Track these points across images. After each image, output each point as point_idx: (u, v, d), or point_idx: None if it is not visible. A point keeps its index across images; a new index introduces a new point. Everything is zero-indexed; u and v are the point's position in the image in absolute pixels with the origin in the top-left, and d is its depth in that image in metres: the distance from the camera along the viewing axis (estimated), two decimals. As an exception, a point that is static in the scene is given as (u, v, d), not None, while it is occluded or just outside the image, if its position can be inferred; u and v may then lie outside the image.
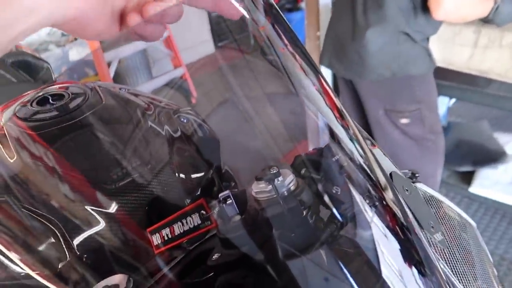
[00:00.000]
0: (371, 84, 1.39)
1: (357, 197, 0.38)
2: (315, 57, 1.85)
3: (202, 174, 0.59)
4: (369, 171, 0.40)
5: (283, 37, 0.47)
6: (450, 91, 1.62)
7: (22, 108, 0.63)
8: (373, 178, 0.39)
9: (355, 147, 0.41)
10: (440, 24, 1.29)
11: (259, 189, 0.44)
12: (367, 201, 0.39)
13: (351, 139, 0.41)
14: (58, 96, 0.65)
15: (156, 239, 0.46)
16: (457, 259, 0.44)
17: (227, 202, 0.41)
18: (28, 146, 0.54)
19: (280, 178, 0.45)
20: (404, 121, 1.41)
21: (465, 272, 0.45)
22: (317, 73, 0.44)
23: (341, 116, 0.43)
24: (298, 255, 0.41)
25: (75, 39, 3.11)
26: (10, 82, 1.13)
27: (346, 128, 0.42)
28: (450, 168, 1.96)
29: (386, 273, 0.34)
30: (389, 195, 0.38)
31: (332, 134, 0.43)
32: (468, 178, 1.91)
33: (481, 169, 1.90)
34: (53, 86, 0.69)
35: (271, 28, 0.47)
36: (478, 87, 1.55)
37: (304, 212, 0.45)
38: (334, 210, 0.42)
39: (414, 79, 1.32)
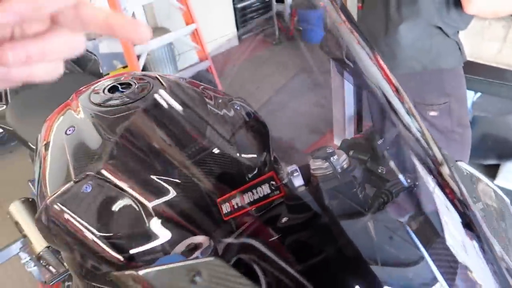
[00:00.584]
0: (401, 77, 1.42)
1: (420, 169, 0.44)
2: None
3: (257, 155, 0.65)
4: (426, 146, 0.45)
5: (340, 13, 0.53)
6: (478, 85, 1.65)
7: (95, 95, 0.71)
8: (430, 153, 0.44)
9: (412, 121, 0.46)
10: (472, 18, 1.32)
11: (316, 166, 0.50)
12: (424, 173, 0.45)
13: (407, 113, 0.47)
14: (126, 85, 0.72)
15: (225, 208, 0.53)
16: (494, 228, 0.50)
17: (294, 175, 0.47)
18: (112, 127, 0.61)
19: (335, 157, 0.51)
20: (432, 113, 1.44)
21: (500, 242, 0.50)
22: (373, 49, 0.50)
23: (397, 91, 0.48)
24: (351, 220, 0.47)
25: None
26: (63, 73, 1.21)
27: (402, 102, 0.47)
28: (475, 161, 1.98)
29: (450, 242, 0.39)
30: (445, 170, 0.43)
31: (390, 106, 0.48)
32: (493, 171, 1.93)
33: (506, 163, 1.92)
34: (120, 76, 0.76)
35: (330, 4, 0.53)
36: (506, 81, 1.57)
37: (355, 188, 0.51)
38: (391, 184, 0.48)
39: (444, 73, 1.35)
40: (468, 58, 1.54)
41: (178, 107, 0.64)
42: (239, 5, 3.97)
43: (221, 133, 0.62)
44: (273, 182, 0.47)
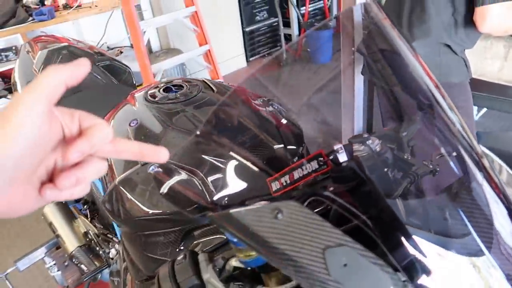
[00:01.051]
0: (411, 92, 1.52)
1: (469, 161, 0.51)
2: (350, 70, 2.00)
3: (297, 147, 0.75)
4: (469, 139, 0.53)
5: (381, 11, 0.62)
6: (482, 101, 1.75)
7: (152, 93, 0.81)
8: (473, 146, 0.53)
9: (453, 115, 0.55)
10: (478, 38, 1.43)
11: (356, 148, 0.60)
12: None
13: (449, 108, 0.56)
14: (178, 87, 0.82)
15: (275, 186, 0.61)
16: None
17: (340, 152, 0.56)
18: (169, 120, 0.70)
19: (371, 141, 0.60)
20: (441, 126, 1.54)
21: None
22: (412, 47, 0.59)
23: (437, 86, 0.57)
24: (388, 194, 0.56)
25: (121, 52, 3.35)
26: (101, 83, 1.32)
27: (443, 97, 0.56)
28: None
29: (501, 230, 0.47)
30: (486, 163, 0.51)
31: (433, 99, 0.57)
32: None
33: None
34: (173, 79, 0.86)
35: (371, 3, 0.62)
36: (508, 97, 1.68)
37: (388, 167, 0.60)
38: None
39: (452, 87, 1.46)
40: (473, 76, 1.65)
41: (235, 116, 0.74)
42: (248, 29, 4.13)
43: (267, 127, 0.71)
44: (321, 159, 0.56)
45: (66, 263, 1.72)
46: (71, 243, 1.35)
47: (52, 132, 0.33)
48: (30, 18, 2.78)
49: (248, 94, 0.81)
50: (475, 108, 2.14)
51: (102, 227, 1.35)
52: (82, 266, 1.33)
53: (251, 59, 4.23)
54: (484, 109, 2.11)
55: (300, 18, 4.07)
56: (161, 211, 0.64)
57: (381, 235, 0.44)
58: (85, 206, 1.45)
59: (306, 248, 0.39)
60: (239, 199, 0.53)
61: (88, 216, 1.41)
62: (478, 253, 0.47)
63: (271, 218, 0.41)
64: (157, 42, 3.66)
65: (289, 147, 0.71)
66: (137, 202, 0.66)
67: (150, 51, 3.58)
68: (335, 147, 0.57)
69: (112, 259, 1.30)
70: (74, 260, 1.35)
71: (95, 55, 1.42)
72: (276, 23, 4.19)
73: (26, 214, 0.34)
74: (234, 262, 0.51)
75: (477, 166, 0.53)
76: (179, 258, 0.54)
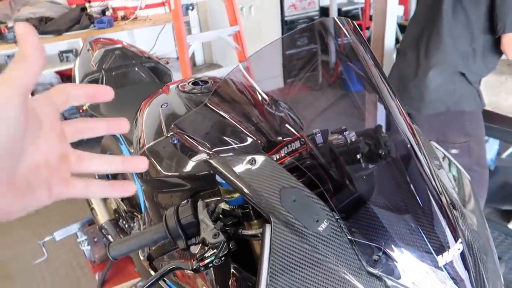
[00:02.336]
0: (427, 117, 1.61)
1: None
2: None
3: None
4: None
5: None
6: (498, 133, 1.81)
7: (182, 85, 0.99)
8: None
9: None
10: (494, 67, 1.52)
11: (333, 138, 0.74)
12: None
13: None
14: (204, 82, 1.00)
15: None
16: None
17: (317, 135, 0.71)
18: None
19: (347, 133, 0.75)
20: (453, 151, 1.62)
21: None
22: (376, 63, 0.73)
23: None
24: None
25: (167, 62, 3.63)
26: (145, 80, 1.53)
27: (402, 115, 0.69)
28: (493, 206, 2.10)
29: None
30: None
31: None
32: (508, 216, 2.04)
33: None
34: (200, 76, 1.04)
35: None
36: (522, 131, 1.74)
37: (358, 156, 0.74)
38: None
39: (465, 115, 1.54)
40: (488, 108, 1.73)
41: (240, 96, 0.90)
42: (288, 52, 4.35)
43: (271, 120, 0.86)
44: (302, 139, 0.71)
45: (95, 239, 1.93)
46: (102, 216, 1.54)
47: (31, 123, 0.32)
48: (92, 26, 3.12)
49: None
50: (496, 142, 2.19)
51: (130, 206, 1.53)
52: (109, 237, 1.51)
53: (288, 80, 4.42)
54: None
55: (337, 47, 4.23)
56: (175, 173, 0.81)
57: (328, 189, 0.58)
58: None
59: (268, 187, 0.54)
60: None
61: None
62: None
63: (248, 164, 0.57)
64: (201, 56, 3.93)
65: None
66: (157, 165, 0.83)
67: (194, 64, 3.85)
68: (314, 131, 0.72)
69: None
70: (103, 231, 1.53)
71: (143, 57, 1.64)
72: (315, 49, 4.38)
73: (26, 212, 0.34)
74: (222, 205, 0.66)
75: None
76: (182, 202, 0.70)
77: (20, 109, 0.30)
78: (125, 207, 1.53)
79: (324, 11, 4.45)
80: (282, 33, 4.19)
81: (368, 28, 4.40)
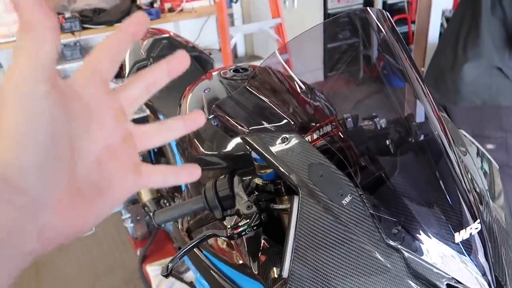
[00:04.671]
0: (463, 110, 1.61)
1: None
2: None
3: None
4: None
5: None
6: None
7: (224, 72, 1.06)
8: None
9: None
10: None
11: (364, 124, 0.78)
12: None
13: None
14: (244, 69, 1.06)
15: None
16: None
17: (348, 120, 0.75)
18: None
19: (377, 119, 0.78)
20: (489, 146, 1.60)
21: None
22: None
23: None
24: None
25: (210, 53, 3.73)
26: (189, 68, 1.61)
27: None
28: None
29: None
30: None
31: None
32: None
33: None
34: (241, 64, 1.10)
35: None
36: None
37: (387, 142, 0.77)
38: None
39: (502, 109, 1.53)
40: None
41: (277, 82, 0.95)
42: (329, 46, 4.33)
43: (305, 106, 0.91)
44: (334, 123, 0.76)
45: (138, 218, 2.06)
46: (145, 195, 1.65)
47: (75, 112, 0.26)
48: (141, 17, 3.26)
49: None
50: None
51: (172, 187, 1.64)
52: (151, 214, 1.61)
53: (329, 74, 4.41)
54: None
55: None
56: (212, 152, 0.88)
57: (355, 168, 0.63)
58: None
59: (298, 162, 0.60)
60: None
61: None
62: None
63: (281, 142, 0.62)
64: (243, 48, 4.01)
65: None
66: (199, 145, 0.90)
67: (235, 55, 3.93)
68: (345, 116, 0.76)
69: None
70: (145, 208, 1.64)
71: (188, 46, 1.73)
72: (358, 43, 4.33)
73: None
74: (256, 180, 0.72)
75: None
76: (220, 177, 0.76)
77: (48, 94, 0.23)
78: (166, 187, 1.63)
79: (369, 5, 4.38)
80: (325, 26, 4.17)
81: (414, 22, 4.29)
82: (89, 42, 3.36)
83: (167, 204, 1.57)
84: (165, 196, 1.61)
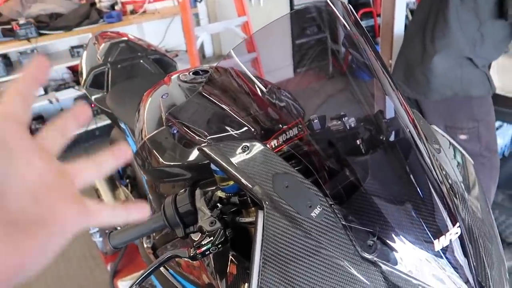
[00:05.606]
0: (434, 103, 1.59)
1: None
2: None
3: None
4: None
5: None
6: (509, 117, 1.77)
7: (183, 75, 0.99)
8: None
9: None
10: (504, 51, 1.48)
11: (332, 124, 0.73)
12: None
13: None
14: (204, 71, 1.00)
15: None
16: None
17: (315, 121, 0.70)
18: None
19: (346, 118, 0.73)
20: (462, 137, 1.59)
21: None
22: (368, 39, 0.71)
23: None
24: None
25: (176, 55, 3.64)
26: (150, 73, 1.54)
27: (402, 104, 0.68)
28: (506, 192, 2.06)
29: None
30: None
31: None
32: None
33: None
34: (201, 66, 1.04)
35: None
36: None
37: (358, 142, 0.73)
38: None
39: (473, 100, 1.51)
40: (500, 92, 1.69)
41: (236, 84, 0.89)
42: (298, 41, 4.31)
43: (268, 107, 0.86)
44: (300, 126, 0.70)
45: (106, 231, 1.96)
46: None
47: None
48: (101, 20, 3.13)
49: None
50: (510, 127, 2.14)
51: (138, 196, 1.55)
52: (119, 228, 1.53)
53: (298, 70, 4.39)
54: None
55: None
56: (174, 163, 0.81)
57: (323, 175, 0.57)
58: (127, 180, 1.66)
59: (261, 173, 0.54)
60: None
61: (129, 188, 1.62)
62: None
63: (241, 151, 0.56)
64: (211, 48, 3.93)
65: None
66: (158, 155, 0.83)
67: (203, 56, 3.85)
68: (311, 117, 0.71)
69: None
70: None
71: (148, 50, 1.64)
72: (325, 39, 4.33)
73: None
74: (219, 193, 0.66)
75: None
76: (181, 191, 0.70)
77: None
78: (133, 198, 1.55)
79: (334, -1, 4.37)
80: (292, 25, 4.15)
81: (379, 15, 4.32)
82: (48, 49, 3.21)
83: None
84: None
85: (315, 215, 0.51)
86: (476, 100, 1.53)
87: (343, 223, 0.52)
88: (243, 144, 0.57)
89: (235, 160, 0.56)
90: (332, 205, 0.53)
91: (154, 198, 0.93)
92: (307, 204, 0.52)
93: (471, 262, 0.54)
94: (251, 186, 0.53)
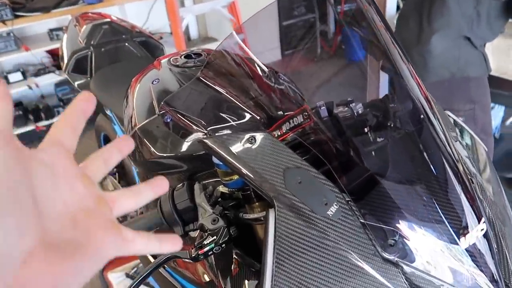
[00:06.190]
0: (431, 85, 1.56)
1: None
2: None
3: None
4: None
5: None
6: (504, 99, 1.76)
7: (174, 59, 0.92)
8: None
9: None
10: (500, 31, 1.45)
11: (339, 111, 0.68)
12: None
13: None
14: (197, 55, 0.93)
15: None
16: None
17: (322, 108, 0.65)
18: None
19: (353, 104, 0.68)
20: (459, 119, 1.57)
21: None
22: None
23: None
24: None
25: (161, 37, 3.52)
26: (136, 56, 1.46)
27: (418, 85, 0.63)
28: (499, 174, 2.06)
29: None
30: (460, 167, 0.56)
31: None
32: (513, 183, 2.01)
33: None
34: (194, 48, 0.97)
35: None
36: (531, 97, 1.68)
37: (366, 129, 0.68)
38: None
39: (470, 81, 1.49)
40: (494, 73, 1.66)
41: (236, 68, 0.83)
42: (285, 23, 4.21)
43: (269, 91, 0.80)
44: (306, 113, 0.65)
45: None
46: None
47: (37, 173, 0.28)
48: (81, 1, 2.99)
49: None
50: (502, 109, 2.13)
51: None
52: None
53: (286, 52, 4.31)
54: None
55: (336, 15, 4.11)
56: (169, 154, 0.75)
57: (337, 168, 0.53)
58: (115, 169, 1.60)
59: (270, 167, 0.49)
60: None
61: (117, 177, 1.55)
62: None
63: (246, 143, 0.51)
64: (196, 30, 3.82)
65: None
66: (150, 146, 0.77)
67: (188, 38, 3.74)
68: (318, 104, 0.65)
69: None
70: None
71: (133, 32, 1.56)
72: (313, 19, 4.25)
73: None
74: (221, 188, 0.61)
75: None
76: (178, 186, 0.64)
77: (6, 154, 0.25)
78: (121, 188, 1.49)
79: (322, -21, 4.29)
80: (279, 6, 4.05)
81: (367, -4, 4.25)
82: (24, 32, 3.05)
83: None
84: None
85: (331, 213, 0.47)
86: (473, 81, 1.50)
87: (362, 221, 0.47)
88: (249, 134, 0.51)
89: (240, 153, 0.50)
90: (350, 202, 0.48)
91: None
92: (323, 202, 0.47)
93: (496, 260, 0.51)
94: (260, 183, 0.48)
